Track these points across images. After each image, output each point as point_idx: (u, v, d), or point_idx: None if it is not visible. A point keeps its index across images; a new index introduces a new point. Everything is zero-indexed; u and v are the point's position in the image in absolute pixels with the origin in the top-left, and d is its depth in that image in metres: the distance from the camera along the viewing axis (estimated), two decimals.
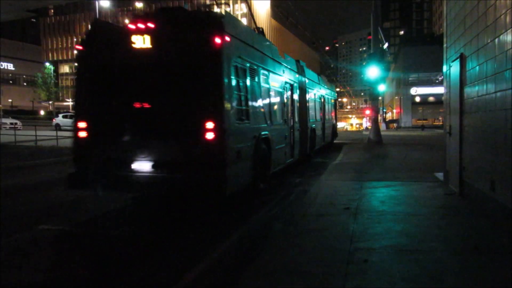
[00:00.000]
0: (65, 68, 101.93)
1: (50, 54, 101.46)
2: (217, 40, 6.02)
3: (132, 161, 6.27)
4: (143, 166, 6.23)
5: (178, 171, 6.13)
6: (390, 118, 67.87)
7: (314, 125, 14.10)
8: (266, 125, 8.27)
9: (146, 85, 6.43)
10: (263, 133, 7.95)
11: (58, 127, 28.66)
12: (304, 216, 5.88)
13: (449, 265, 3.86)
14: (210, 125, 5.93)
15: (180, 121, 6.19)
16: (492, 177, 5.19)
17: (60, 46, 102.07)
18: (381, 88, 26.07)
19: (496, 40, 4.99)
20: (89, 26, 7.12)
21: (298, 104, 11.73)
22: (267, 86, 8.74)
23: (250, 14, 11.52)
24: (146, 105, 6.41)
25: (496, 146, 5.07)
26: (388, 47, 59.21)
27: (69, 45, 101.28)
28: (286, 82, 10.46)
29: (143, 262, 4.46)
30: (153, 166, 6.18)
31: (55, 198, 7.97)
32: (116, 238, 5.38)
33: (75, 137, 6.62)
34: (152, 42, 6.22)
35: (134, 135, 6.45)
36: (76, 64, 7.19)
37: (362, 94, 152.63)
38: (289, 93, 10.80)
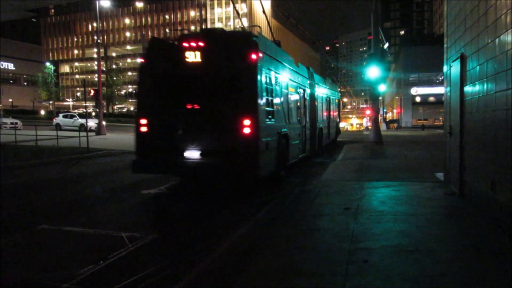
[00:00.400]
0: (66, 68, 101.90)
1: (50, 54, 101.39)
2: (253, 56, 7.77)
3: (184, 151, 7.97)
4: (193, 154, 7.96)
5: (221, 157, 7.80)
6: (391, 118, 67.84)
7: (321, 125, 15.74)
8: (285, 123, 9.89)
9: (196, 90, 8.13)
10: (283, 130, 9.56)
11: (58, 127, 28.66)
12: (304, 216, 5.89)
13: (449, 265, 3.85)
14: (247, 122, 7.63)
15: (223, 118, 7.85)
16: (492, 177, 5.19)
17: (60, 46, 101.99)
18: (382, 88, 26.02)
19: (497, 40, 4.98)
20: (148, 43, 8.94)
21: (309, 106, 13.39)
22: (286, 91, 10.26)
23: (268, 25, 12.94)
24: (196, 106, 8.05)
25: (496, 146, 5.06)
26: (388, 47, 59.25)
27: (70, 45, 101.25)
28: (299, 87, 12.11)
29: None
30: (201, 154, 7.91)
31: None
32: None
33: (137, 131, 8.31)
34: (202, 57, 8.01)
35: (186, 130, 8.09)
36: (138, 73, 8.97)
37: (362, 94, 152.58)
38: (301, 96, 12.38)
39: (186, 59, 8.01)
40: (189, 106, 8.07)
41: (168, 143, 8.15)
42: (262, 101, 8.08)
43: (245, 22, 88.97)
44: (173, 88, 8.30)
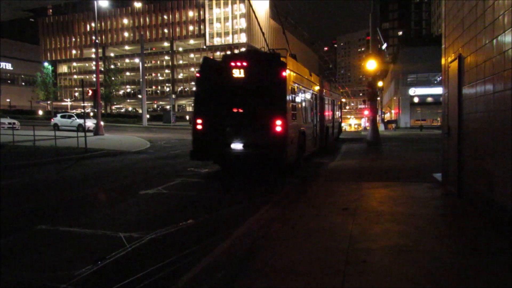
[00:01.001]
0: (64, 68, 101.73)
1: (48, 54, 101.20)
2: (283, 74, 10.30)
3: (230, 143, 10.35)
4: (237, 146, 10.32)
5: (258, 149, 10.20)
6: (389, 119, 67.90)
7: (328, 124, 18.40)
8: (303, 123, 12.53)
9: (239, 98, 10.53)
10: (301, 128, 12.10)
11: (56, 127, 28.60)
12: (303, 216, 5.89)
13: (447, 265, 3.86)
14: (278, 122, 10.01)
15: (260, 120, 10.21)
16: (490, 178, 5.20)
17: (58, 46, 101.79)
18: (379, 83, 26.01)
19: (494, 41, 5.00)
20: (202, 61, 11.39)
21: (319, 109, 16.01)
22: (303, 97, 12.99)
23: (286, 40, 15.24)
24: (240, 110, 10.46)
25: (494, 147, 5.07)
26: (386, 47, 59.28)
27: (68, 45, 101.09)
28: (312, 93, 14.67)
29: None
30: (243, 146, 10.28)
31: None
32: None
33: (194, 129, 10.87)
34: (244, 73, 10.51)
35: (232, 127, 10.41)
36: (195, 84, 11.62)
37: (361, 94, 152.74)
38: (314, 100, 14.99)
39: (233, 75, 10.55)
40: (234, 110, 10.50)
41: (218, 137, 10.52)
42: (289, 107, 10.54)
43: (243, 23, 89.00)
44: (222, 96, 10.69)
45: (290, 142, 10.43)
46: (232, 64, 10.58)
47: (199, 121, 10.74)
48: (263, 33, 15.91)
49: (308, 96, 13.79)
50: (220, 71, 10.85)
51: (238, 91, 10.53)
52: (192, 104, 12.14)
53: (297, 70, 12.08)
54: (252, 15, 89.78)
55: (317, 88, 15.78)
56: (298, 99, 11.92)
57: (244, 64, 10.56)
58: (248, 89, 10.44)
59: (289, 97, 10.60)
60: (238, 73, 10.54)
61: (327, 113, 18.38)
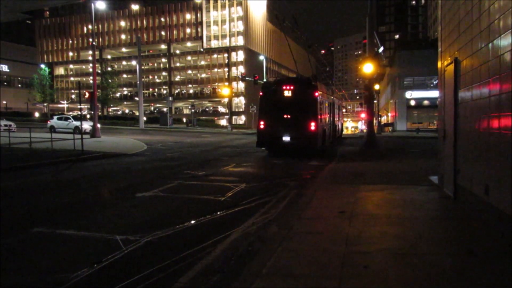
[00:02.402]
0: (61, 70, 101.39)
1: (45, 56, 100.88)
2: (316, 94, 16.85)
3: (282, 137, 16.51)
4: (286, 138, 16.44)
5: (300, 140, 16.28)
6: (386, 122, 68.08)
7: (336, 124, 25.17)
8: (324, 124, 18.76)
9: (288, 108, 16.65)
10: (324, 127, 18.51)
11: (52, 129, 28.47)
12: (299, 219, 5.89)
13: (444, 268, 3.88)
14: (312, 124, 16.35)
15: (301, 122, 16.39)
16: (486, 181, 5.23)
17: (55, 48, 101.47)
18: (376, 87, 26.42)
19: (490, 45, 5.03)
20: (263, 84, 18.53)
21: (331, 113, 22.26)
22: (325, 106, 19.37)
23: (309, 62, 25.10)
24: (288, 116, 16.61)
25: (490, 151, 5.10)
26: (383, 51, 59.44)
27: (65, 47, 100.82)
28: (329, 102, 21.13)
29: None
30: (290, 139, 16.39)
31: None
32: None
33: (258, 128, 17.47)
34: (291, 93, 16.84)
35: (283, 127, 16.55)
36: (259, 98, 17.82)
37: (357, 97, 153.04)
38: (328, 107, 21.03)
39: (283, 93, 17.02)
40: (284, 116, 16.74)
41: (273, 133, 16.77)
42: (318, 114, 16.90)
43: (240, 26, 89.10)
44: (276, 107, 16.91)
45: (318, 136, 16.97)
46: (283, 86, 17.21)
47: (261, 123, 17.26)
48: (294, 61, 20.90)
49: (327, 104, 20.32)
50: (275, 91, 17.28)
51: (287, 104, 16.89)
52: (258, 112, 18.95)
53: (322, 89, 18.83)
54: (250, 17, 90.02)
55: (331, 97, 22.66)
56: (322, 108, 18.45)
57: (291, 87, 17.16)
58: (293, 103, 16.82)
59: (318, 108, 17.03)
60: (287, 93, 17.07)
61: (337, 117, 25.62)
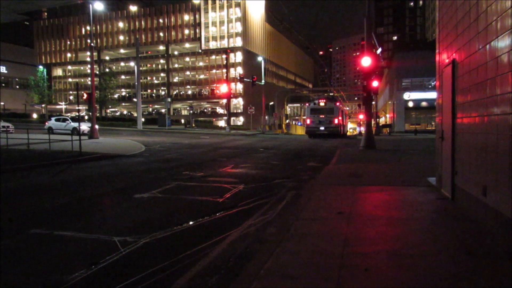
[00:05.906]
0: (59, 71, 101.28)
1: (43, 57, 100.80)
2: (337, 104, 38.92)
3: (320, 128, 36.98)
4: (323, 129, 36.80)
5: (331, 130, 36.76)
6: (384, 123, 68.25)
7: (344, 124, 41.93)
8: (341, 123, 38.78)
9: (324, 112, 37.33)
10: (343, 123, 40.70)
11: (50, 131, 28.41)
12: (298, 220, 5.89)
13: (442, 269, 3.88)
14: (336, 121, 36.92)
15: (331, 120, 37.06)
16: (484, 182, 5.24)
17: (53, 49, 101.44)
18: (375, 84, 26.34)
19: (488, 46, 5.05)
20: (310, 100, 43.28)
21: (343, 116, 40.73)
22: (342, 112, 40.03)
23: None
24: (323, 116, 36.99)
25: (487, 152, 5.11)
26: (381, 52, 59.55)
27: (63, 48, 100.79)
28: (342, 110, 41.45)
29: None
30: (325, 129, 36.65)
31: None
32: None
33: (306, 124, 39.89)
34: (324, 104, 38.03)
35: (320, 122, 37.04)
36: (306, 107, 40.63)
37: (356, 98, 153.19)
38: (342, 113, 39.98)
39: (320, 104, 37.49)
40: (321, 116, 36.56)
41: (314, 127, 36.83)
42: (340, 116, 37.46)
43: (239, 27, 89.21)
44: (317, 112, 36.98)
45: (341, 128, 37.45)
46: (321, 101, 37.83)
47: (308, 121, 37.36)
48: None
49: (340, 111, 37.26)
50: (316, 104, 37.58)
51: (323, 110, 36.44)
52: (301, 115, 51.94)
53: (339, 102, 40.66)
54: (248, 19, 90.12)
55: (342, 107, 38.53)
56: (341, 113, 37.38)
57: (324, 101, 37.92)
58: (326, 109, 36.40)
59: (339, 113, 36.81)
60: (323, 105, 37.09)
61: (345, 119, 42.76)
